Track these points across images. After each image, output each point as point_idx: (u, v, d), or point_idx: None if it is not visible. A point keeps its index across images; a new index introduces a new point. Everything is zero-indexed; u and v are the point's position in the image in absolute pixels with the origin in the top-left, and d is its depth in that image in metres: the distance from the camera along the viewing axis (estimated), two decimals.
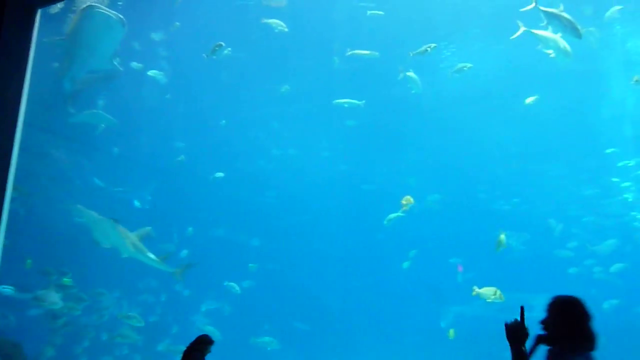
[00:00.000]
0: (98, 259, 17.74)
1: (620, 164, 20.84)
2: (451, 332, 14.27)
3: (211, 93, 22.12)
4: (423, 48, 15.35)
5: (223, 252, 23.79)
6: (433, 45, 15.15)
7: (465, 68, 16.07)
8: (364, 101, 18.27)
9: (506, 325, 3.97)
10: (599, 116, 21.38)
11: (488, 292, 12.40)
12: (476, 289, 12.07)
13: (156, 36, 18.88)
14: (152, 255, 15.44)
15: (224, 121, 22.12)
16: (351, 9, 19.11)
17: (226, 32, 19.31)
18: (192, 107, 22.45)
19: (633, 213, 20.85)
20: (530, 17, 14.40)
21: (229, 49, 15.41)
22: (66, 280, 15.31)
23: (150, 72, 18.57)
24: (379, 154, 25.29)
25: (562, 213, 23.01)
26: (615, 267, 18.94)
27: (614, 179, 21.43)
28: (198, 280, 22.16)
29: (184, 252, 20.89)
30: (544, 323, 4.04)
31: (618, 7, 16.12)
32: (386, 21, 18.70)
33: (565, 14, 12.00)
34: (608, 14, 16.18)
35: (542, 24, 13.09)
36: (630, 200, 21.87)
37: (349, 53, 17.64)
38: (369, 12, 17.75)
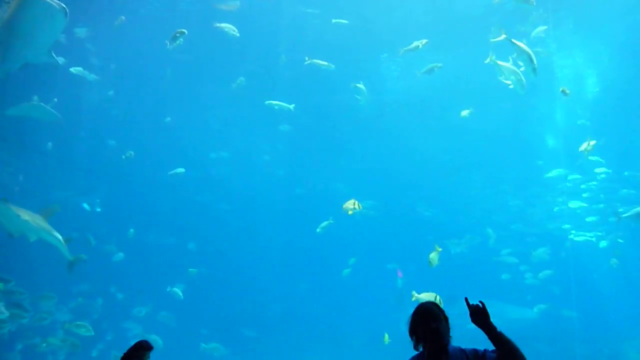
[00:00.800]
0: (32, 262, 17.09)
1: (547, 175, 21.76)
2: (386, 336, 14.36)
3: (154, 95, 21.73)
4: (414, 44, 15.34)
5: (158, 256, 23.39)
6: (424, 41, 15.15)
7: (436, 68, 16.09)
8: (293, 105, 18.30)
9: (472, 307, 4.37)
10: (529, 129, 22.28)
11: (427, 296, 12.52)
12: (415, 294, 12.24)
13: (81, 32, 18.21)
14: (58, 235, 14.56)
15: (168, 118, 21.73)
16: (297, 15, 19.22)
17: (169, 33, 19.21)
18: (133, 107, 21.99)
19: (566, 226, 21.77)
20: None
21: (181, 40, 14.96)
22: (3, 286, 14.62)
23: (74, 69, 17.79)
24: (319, 159, 25.50)
25: (492, 221, 23.84)
26: (544, 274, 19.73)
27: (558, 198, 22.38)
28: (133, 284, 21.69)
29: (120, 255, 20.39)
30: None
31: (543, 28, 16.87)
32: (331, 29, 18.92)
33: (529, 50, 12.54)
34: (534, 33, 16.91)
35: (512, 56, 13.66)
36: (556, 210, 22.89)
37: (308, 62, 17.68)
38: (333, 21, 17.78)
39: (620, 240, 19.00)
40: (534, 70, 12.06)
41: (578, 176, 20.70)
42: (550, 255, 20.53)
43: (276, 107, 18.21)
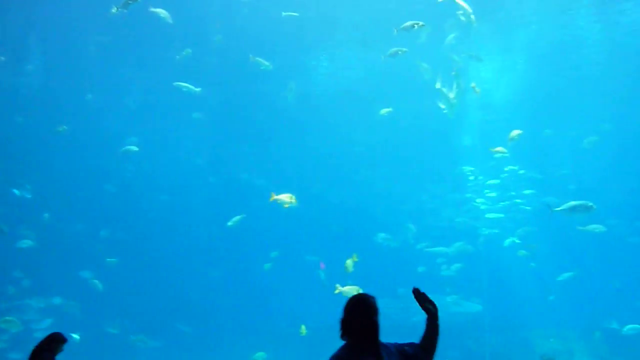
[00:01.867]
0: None
1: (461, 171, 22.58)
2: (302, 328, 14.35)
3: (70, 77, 20.89)
4: (410, 24, 14.57)
5: (73, 244, 22.49)
6: (421, 23, 14.49)
7: (400, 52, 15.68)
8: (200, 89, 18.01)
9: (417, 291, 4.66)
10: (447, 127, 23.10)
11: (350, 290, 12.59)
12: (339, 287, 12.33)
13: None
14: None
15: (89, 95, 20.93)
16: (227, 2, 18.97)
17: (90, 15, 18.53)
18: (48, 88, 21.07)
19: (477, 222, 22.62)
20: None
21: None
22: None
23: None
24: (241, 149, 25.37)
25: (411, 216, 24.51)
26: (455, 267, 20.50)
27: (468, 194, 23.20)
28: (44, 273, 20.78)
29: (26, 242, 19.54)
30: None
31: (452, 35, 17.46)
32: (261, 19, 18.81)
33: None
34: (448, 39, 17.49)
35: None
36: (468, 206, 23.80)
37: (252, 60, 17.42)
38: (283, 14, 17.53)
39: (533, 244, 19.95)
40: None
41: (496, 181, 21.58)
42: (464, 249, 21.31)
43: (184, 90, 17.80)
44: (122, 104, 22.88)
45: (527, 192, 21.71)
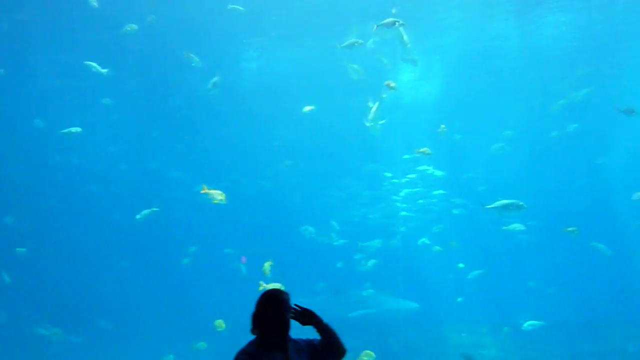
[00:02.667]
0: None
1: (387, 174, 23.09)
2: (219, 323, 14.15)
3: None
4: (390, 20, 14.20)
5: None
6: (401, 22, 14.13)
7: (356, 44, 15.46)
8: (107, 69, 17.51)
9: (300, 311, 4.56)
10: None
11: (274, 287, 12.40)
12: (262, 284, 12.29)
13: None
14: None
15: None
16: None
17: None
18: None
19: (399, 227, 23.18)
20: None
21: None
22: None
23: None
24: (158, 138, 24.77)
25: (337, 212, 24.83)
26: (371, 262, 20.78)
27: (394, 197, 23.70)
28: None
29: None
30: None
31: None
32: (188, 6, 18.45)
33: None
34: (370, 42, 17.77)
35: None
36: (387, 205, 24.43)
37: (186, 56, 16.97)
38: (229, 7, 17.14)
39: (454, 243, 20.63)
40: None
41: (412, 175, 22.14)
42: (381, 245, 21.82)
43: (93, 70, 17.21)
44: (34, 84, 21.77)
45: (439, 192, 22.46)
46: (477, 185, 23.32)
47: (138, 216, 17.40)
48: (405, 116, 22.11)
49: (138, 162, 25.08)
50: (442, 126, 16.32)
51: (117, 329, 20.54)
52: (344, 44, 15.60)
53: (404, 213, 23.18)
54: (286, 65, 21.48)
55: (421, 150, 15.33)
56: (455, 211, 23.03)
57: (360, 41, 15.35)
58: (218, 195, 12.88)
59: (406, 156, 20.89)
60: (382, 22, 14.19)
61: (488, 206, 13.11)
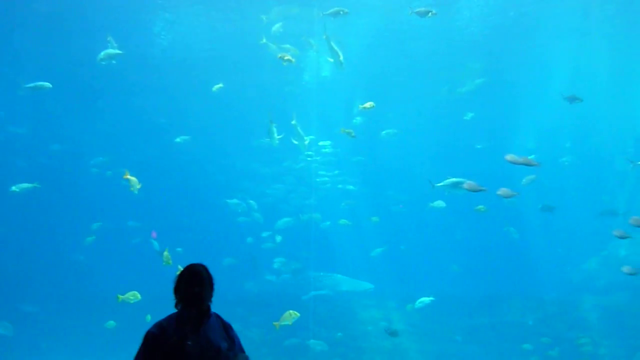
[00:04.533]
0: None
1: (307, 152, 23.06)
2: (120, 297, 13.63)
3: None
4: (335, 9, 14.67)
5: None
6: (346, 10, 14.55)
7: (341, 13, 15.12)
8: None
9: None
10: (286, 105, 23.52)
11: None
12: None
13: None
14: None
15: None
16: None
17: None
18: None
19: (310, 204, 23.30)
20: None
21: None
22: None
23: None
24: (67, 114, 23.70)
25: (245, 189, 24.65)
26: (279, 239, 21.23)
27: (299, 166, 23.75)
28: None
29: None
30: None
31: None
32: None
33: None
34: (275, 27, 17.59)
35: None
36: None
37: (109, 42, 16.03)
38: None
39: (375, 219, 20.97)
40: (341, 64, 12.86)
41: (328, 147, 22.30)
42: (291, 223, 21.91)
43: None
44: None
45: (335, 172, 22.85)
46: (368, 167, 23.73)
47: (14, 188, 16.48)
48: (318, 94, 22.24)
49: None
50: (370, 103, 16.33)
51: (39, 313, 19.64)
52: (328, 12, 15.37)
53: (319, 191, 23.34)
54: (198, 39, 20.88)
55: (346, 130, 15.36)
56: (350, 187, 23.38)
57: (346, 10, 15.19)
58: (136, 184, 12.63)
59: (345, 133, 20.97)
60: (329, 11, 14.87)
61: (438, 184, 13.28)
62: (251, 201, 22.34)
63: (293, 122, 15.93)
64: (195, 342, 4.28)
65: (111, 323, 16.35)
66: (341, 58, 13.41)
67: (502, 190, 11.42)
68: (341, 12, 14.71)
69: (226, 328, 4.56)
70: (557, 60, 22.47)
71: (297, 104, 22.90)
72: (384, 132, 20.73)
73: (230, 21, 19.64)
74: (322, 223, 21.63)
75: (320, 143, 21.54)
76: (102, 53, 15.92)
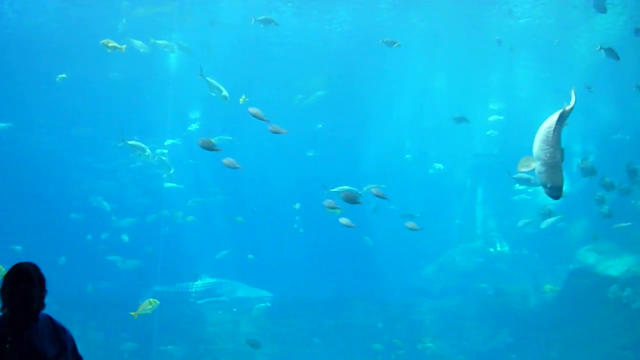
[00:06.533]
0: None
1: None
2: None
3: None
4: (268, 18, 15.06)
5: None
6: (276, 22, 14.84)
7: (273, 24, 15.74)
8: None
9: None
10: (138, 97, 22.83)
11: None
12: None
13: None
14: None
15: None
16: None
17: None
18: None
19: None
20: None
21: None
22: None
23: None
24: None
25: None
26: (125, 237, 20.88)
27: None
28: None
29: None
30: None
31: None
32: None
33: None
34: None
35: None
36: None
37: None
38: None
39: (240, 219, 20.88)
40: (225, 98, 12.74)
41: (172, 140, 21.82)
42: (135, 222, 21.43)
43: None
44: None
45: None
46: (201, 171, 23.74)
47: None
48: (174, 93, 21.78)
49: None
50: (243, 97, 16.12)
51: None
52: (259, 18, 15.64)
53: (170, 184, 22.69)
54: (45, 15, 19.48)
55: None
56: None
57: (276, 23, 15.62)
58: None
59: (169, 141, 20.68)
60: (260, 17, 15.40)
61: (332, 190, 13.62)
62: (99, 197, 21.37)
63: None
64: (15, 346, 3.96)
65: None
66: (224, 93, 13.29)
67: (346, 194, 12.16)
68: (272, 23, 15.51)
69: (58, 331, 4.23)
70: (405, 78, 23.91)
71: (148, 101, 22.36)
72: (216, 137, 20.54)
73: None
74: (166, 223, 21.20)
75: (167, 142, 21.02)
76: None
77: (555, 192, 5.30)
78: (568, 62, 21.32)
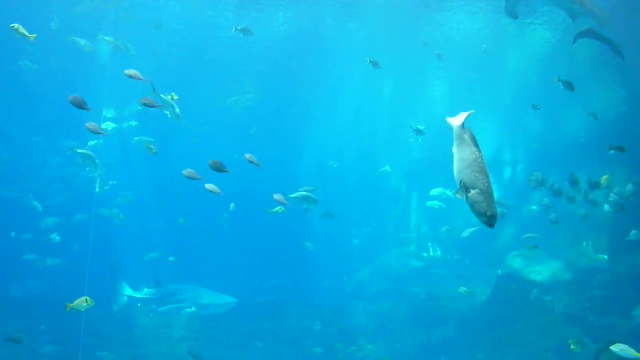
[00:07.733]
0: None
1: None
2: None
3: None
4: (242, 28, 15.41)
5: None
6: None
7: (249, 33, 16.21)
8: None
9: None
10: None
11: None
12: None
13: None
14: None
15: None
16: None
17: None
18: None
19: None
20: None
21: None
22: None
23: None
24: None
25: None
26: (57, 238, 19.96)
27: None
28: None
29: None
30: None
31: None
32: None
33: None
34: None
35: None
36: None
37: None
38: None
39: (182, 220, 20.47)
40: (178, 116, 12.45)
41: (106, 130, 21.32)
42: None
43: None
44: None
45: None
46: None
47: None
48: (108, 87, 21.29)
49: None
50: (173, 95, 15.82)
51: None
52: (239, 28, 16.05)
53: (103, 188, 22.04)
54: None
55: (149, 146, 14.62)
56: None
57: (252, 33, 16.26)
58: None
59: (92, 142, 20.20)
60: (239, 27, 15.93)
61: (291, 196, 13.64)
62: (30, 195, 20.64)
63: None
64: None
65: None
66: (177, 111, 13.03)
67: (278, 196, 12.22)
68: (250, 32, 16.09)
69: None
70: (347, 83, 24.15)
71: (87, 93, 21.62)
72: (136, 138, 20.21)
73: None
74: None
75: (91, 143, 20.43)
76: None
77: (494, 220, 5.29)
78: (498, 70, 22.05)
